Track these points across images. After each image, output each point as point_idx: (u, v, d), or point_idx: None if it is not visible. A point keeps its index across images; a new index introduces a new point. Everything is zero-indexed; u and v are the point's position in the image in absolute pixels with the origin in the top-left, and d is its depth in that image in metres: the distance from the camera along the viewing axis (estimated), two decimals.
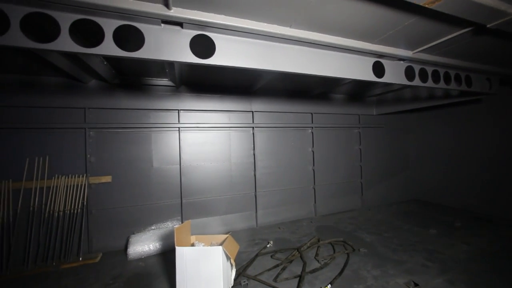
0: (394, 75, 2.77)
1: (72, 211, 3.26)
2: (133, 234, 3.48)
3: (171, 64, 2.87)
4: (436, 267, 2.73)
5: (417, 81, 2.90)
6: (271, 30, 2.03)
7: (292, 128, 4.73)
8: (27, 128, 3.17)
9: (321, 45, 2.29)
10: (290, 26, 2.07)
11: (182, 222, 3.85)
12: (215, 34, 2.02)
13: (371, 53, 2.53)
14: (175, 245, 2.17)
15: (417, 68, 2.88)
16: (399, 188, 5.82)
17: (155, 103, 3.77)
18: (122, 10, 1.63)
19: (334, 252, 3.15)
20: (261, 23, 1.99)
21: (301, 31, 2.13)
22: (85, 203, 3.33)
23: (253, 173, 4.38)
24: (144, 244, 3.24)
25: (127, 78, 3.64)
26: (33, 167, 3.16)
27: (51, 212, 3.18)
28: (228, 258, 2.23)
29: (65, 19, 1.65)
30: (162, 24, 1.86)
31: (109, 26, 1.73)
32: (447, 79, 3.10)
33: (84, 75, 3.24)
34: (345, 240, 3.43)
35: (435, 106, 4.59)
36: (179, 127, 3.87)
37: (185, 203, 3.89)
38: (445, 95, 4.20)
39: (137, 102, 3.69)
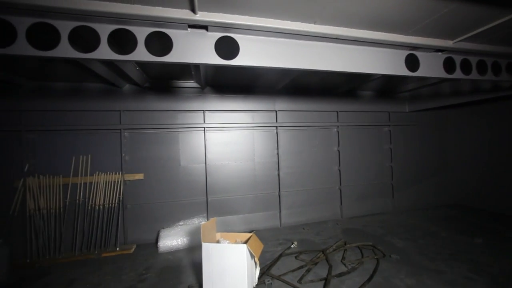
0: (430, 68, 2.55)
1: (110, 205, 3.56)
2: (163, 228, 3.69)
3: (196, 66, 2.98)
4: (483, 281, 2.43)
5: (458, 74, 2.63)
6: (295, 28, 2.00)
7: (316, 127, 4.61)
8: (74, 129, 3.54)
9: (347, 40, 2.20)
10: (315, 23, 2.02)
11: (207, 219, 3.98)
12: (239, 35, 2.05)
13: (404, 46, 2.36)
14: (202, 241, 2.25)
15: (458, 59, 2.61)
16: (436, 191, 5.34)
17: (182, 104, 3.95)
18: (153, 18, 1.74)
19: (362, 256, 3.00)
20: (285, 21, 1.97)
21: (326, 26, 2.06)
22: (121, 198, 3.62)
23: (276, 172, 4.36)
24: (172, 239, 3.42)
25: (156, 82, 3.86)
26: (78, 164, 3.52)
27: (93, 205, 3.51)
28: (252, 256, 2.25)
29: (104, 30, 1.80)
30: (189, 29, 1.94)
31: (141, 33, 1.85)
32: (496, 70, 2.75)
33: (119, 80, 3.51)
34: (374, 244, 3.24)
35: (478, 100, 4.11)
36: (204, 127, 4.01)
37: (211, 201, 4.01)
38: (493, 88, 3.74)
39: (166, 104, 3.90)
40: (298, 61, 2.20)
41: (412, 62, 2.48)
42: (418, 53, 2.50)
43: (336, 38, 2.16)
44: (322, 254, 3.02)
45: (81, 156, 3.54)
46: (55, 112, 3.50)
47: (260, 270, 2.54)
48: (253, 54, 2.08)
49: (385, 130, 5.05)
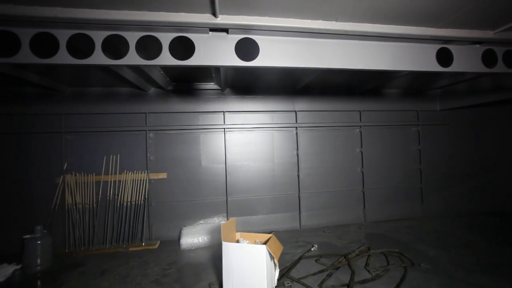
0: (466, 62, 2.35)
1: (137, 202, 3.77)
2: (185, 226, 3.82)
3: (217, 68, 3.05)
4: None
5: (500, 67, 2.39)
6: (316, 27, 1.96)
7: (337, 127, 4.46)
8: (105, 131, 3.81)
9: (371, 36, 2.10)
10: (336, 20, 1.96)
11: (227, 219, 4.04)
12: (259, 36, 2.06)
13: (435, 39, 2.20)
14: (222, 240, 2.29)
15: (500, 51, 2.37)
16: (472, 196, 4.88)
17: (203, 106, 4.07)
18: (177, 24, 1.82)
19: (387, 263, 2.84)
20: (305, 20, 1.94)
21: (349, 23, 2.00)
22: (146, 196, 3.82)
23: (296, 173, 4.30)
24: (194, 237, 3.53)
25: (179, 84, 4.02)
26: (108, 163, 3.78)
27: (122, 202, 3.75)
28: (272, 257, 2.24)
29: (132, 37, 1.91)
30: (210, 32, 2.00)
31: (166, 39, 1.95)
32: None
33: (145, 84, 3.71)
34: (402, 251, 3.05)
35: None
36: (224, 128, 4.08)
37: (230, 201, 4.07)
38: None
39: (188, 105, 4.04)
40: (318, 60, 2.16)
41: (444, 57, 2.31)
42: (451, 47, 2.31)
43: (360, 35, 2.08)
44: (344, 259, 2.92)
45: (111, 156, 3.80)
46: (89, 115, 3.80)
47: (280, 272, 2.52)
48: (273, 54, 2.08)
49: (413, 130, 4.74)
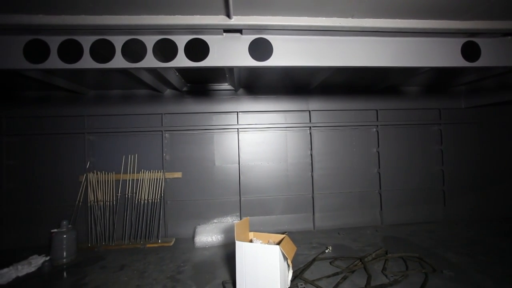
0: (494, 56, 2.20)
1: (153, 200, 3.90)
2: (199, 225, 3.89)
3: (230, 69, 3.08)
4: None
5: None
6: (331, 24, 1.92)
7: (353, 127, 4.35)
8: (124, 131, 3.97)
9: (391, 32, 2.02)
10: (352, 16, 1.91)
11: (240, 218, 4.07)
12: (273, 36, 2.06)
13: (460, 33, 2.08)
14: (235, 239, 2.31)
15: None
16: (503, 200, 4.54)
17: (217, 106, 4.12)
18: (192, 26, 1.85)
19: (407, 269, 2.72)
20: (320, 18, 1.91)
21: (366, 19, 1.94)
22: (162, 195, 3.93)
23: (310, 174, 4.24)
24: (208, 235, 3.59)
25: (193, 86, 4.10)
26: (127, 163, 3.94)
27: (139, 199, 3.89)
28: (285, 258, 2.23)
29: (149, 41, 1.98)
30: (224, 33, 2.02)
31: (181, 41, 1.99)
32: None
33: (161, 86, 3.83)
34: (422, 256, 2.91)
35: None
36: (238, 128, 4.11)
37: (244, 201, 4.09)
38: None
39: (202, 106, 4.11)
40: (333, 59, 2.12)
41: (470, 51, 2.18)
42: (478, 40, 2.17)
43: (378, 31, 2.01)
44: (360, 262, 2.83)
45: (129, 155, 3.95)
46: (110, 116, 3.98)
47: (293, 273, 2.49)
48: (286, 54, 2.07)
49: (434, 129, 4.51)
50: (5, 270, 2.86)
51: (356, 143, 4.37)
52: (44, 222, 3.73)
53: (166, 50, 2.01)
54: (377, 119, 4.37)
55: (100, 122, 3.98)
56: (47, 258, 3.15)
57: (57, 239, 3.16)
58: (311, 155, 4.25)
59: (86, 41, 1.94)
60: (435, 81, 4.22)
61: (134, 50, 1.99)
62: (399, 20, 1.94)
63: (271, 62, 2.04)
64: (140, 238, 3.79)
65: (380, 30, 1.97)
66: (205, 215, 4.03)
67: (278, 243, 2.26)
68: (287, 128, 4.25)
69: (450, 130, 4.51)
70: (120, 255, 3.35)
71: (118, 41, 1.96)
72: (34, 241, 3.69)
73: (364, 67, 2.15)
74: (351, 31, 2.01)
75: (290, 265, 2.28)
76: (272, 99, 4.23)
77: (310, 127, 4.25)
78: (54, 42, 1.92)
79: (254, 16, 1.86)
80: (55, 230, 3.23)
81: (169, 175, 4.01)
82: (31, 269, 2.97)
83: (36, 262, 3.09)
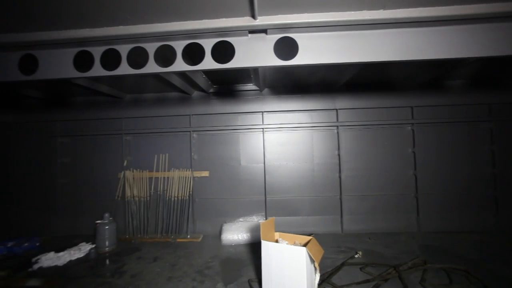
0: None
1: (183, 197, 4.10)
2: (225, 223, 3.99)
3: (255, 70, 3.10)
4: None
5: None
6: (360, 18, 1.82)
7: (384, 126, 4.07)
8: (156, 132, 4.25)
9: (429, 21, 1.85)
10: (384, 8, 1.79)
11: (265, 218, 4.08)
12: (298, 34, 2.02)
13: None
14: (261, 238, 2.32)
15: None
16: None
17: (242, 106, 4.18)
18: (218, 29, 1.91)
19: (450, 282, 2.46)
20: (348, 12, 1.82)
21: (399, 10, 1.80)
22: (191, 192, 4.12)
23: (337, 175, 4.08)
24: (234, 233, 3.66)
25: (219, 87, 4.22)
26: (159, 161, 4.21)
27: (170, 196, 4.12)
28: (312, 261, 2.18)
29: (179, 46, 2.09)
30: (249, 34, 2.04)
31: (208, 44, 2.06)
32: None
33: (189, 88, 4.01)
34: (469, 270, 2.61)
35: None
36: (263, 128, 4.13)
37: (269, 201, 4.10)
38: None
39: (228, 107, 4.20)
40: (363, 54, 2.00)
41: None
42: None
43: (414, 22, 1.85)
44: (394, 271, 2.64)
45: (161, 155, 4.22)
46: (144, 118, 4.29)
47: (320, 276, 2.42)
48: (312, 51, 2.02)
49: (484, 127, 4.01)
50: (61, 253, 3.29)
51: (388, 142, 4.08)
52: (90, 213, 4.16)
53: (194, 53, 2.09)
54: (413, 117, 4.03)
55: (135, 123, 4.31)
56: (93, 246, 3.51)
57: (101, 229, 3.50)
58: (339, 155, 4.09)
59: (124, 49, 2.11)
60: (483, 72, 3.74)
61: (165, 55, 2.11)
62: (439, 7, 1.77)
63: (296, 60, 2.00)
64: (171, 233, 4.01)
65: (417, 20, 1.82)
66: (231, 214, 4.12)
67: (305, 245, 2.22)
68: (313, 128, 4.14)
69: (503, 127, 3.96)
70: (153, 248, 3.59)
71: (151, 48, 2.10)
72: (82, 230, 4.15)
73: (397, 61, 2.00)
74: (382, 24, 1.89)
75: (317, 268, 2.22)
76: (297, 98, 4.15)
77: (337, 126, 4.08)
78: (97, 52, 2.13)
79: (279, 16, 1.85)
80: (99, 221, 3.58)
81: (197, 174, 4.18)
82: (81, 254, 3.35)
83: (84, 248, 3.47)
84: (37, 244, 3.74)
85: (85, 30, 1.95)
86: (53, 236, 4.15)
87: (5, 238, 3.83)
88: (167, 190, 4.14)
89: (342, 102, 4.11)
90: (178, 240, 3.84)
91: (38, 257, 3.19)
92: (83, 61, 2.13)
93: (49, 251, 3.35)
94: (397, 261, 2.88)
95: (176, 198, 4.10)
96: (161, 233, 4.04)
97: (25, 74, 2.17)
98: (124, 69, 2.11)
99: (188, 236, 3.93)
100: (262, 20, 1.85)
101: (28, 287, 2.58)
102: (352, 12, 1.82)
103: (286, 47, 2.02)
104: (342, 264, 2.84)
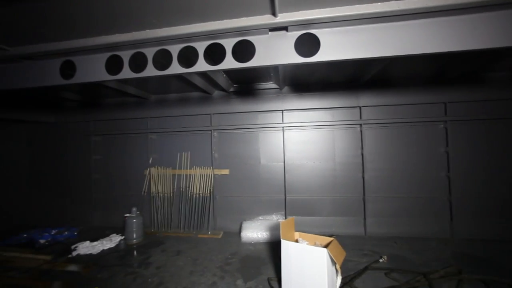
0: None
1: (204, 194, 4.22)
2: (245, 221, 4.04)
3: (275, 68, 3.08)
4: None
5: None
6: (387, 9, 1.72)
7: (413, 124, 3.81)
8: (179, 131, 4.41)
9: (469, 8, 1.69)
10: None
11: (285, 217, 4.05)
12: (319, 30, 1.96)
13: None
14: (281, 238, 2.31)
15: None
16: None
17: (262, 105, 4.18)
18: (238, 29, 1.92)
19: None
20: (374, 4, 1.72)
21: None
22: (212, 190, 4.22)
23: (360, 175, 3.92)
24: (253, 231, 3.69)
25: (239, 86, 4.26)
26: (182, 159, 4.37)
27: (192, 193, 4.27)
28: (333, 263, 2.12)
29: (201, 47, 2.14)
30: (269, 32, 2.02)
31: (229, 44, 2.09)
32: None
33: (210, 88, 4.10)
34: None
35: None
36: (283, 127, 4.09)
37: (289, 200, 4.06)
38: None
39: (247, 105, 4.23)
40: (390, 48, 1.89)
41: None
42: None
43: (449, 10, 1.70)
44: (424, 278, 2.48)
45: (183, 153, 4.37)
46: (167, 117, 4.48)
47: (342, 279, 2.35)
48: (335, 47, 1.95)
49: None
50: (95, 243, 3.59)
51: (417, 141, 3.82)
52: (119, 207, 4.46)
53: (215, 53, 2.13)
54: (446, 114, 3.73)
55: (160, 123, 4.52)
56: (122, 237, 3.76)
57: (129, 222, 3.74)
58: (362, 154, 3.92)
59: (150, 52, 2.22)
60: None
61: (187, 57, 2.18)
62: None
63: (318, 57, 1.95)
64: (193, 228, 4.16)
65: (454, 7, 1.66)
66: (251, 212, 4.15)
67: (325, 246, 2.17)
68: (335, 126, 4.01)
69: None
70: (176, 242, 3.75)
71: (175, 50, 2.18)
72: (113, 222, 4.47)
73: (429, 54, 1.85)
74: (412, 14, 1.76)
75: (339, 271, 2.16)
76: (318, 96, 4.05)
77: (361, 124, 3.91)
78: (126, 55, 2.26)
79: (300, 12, 1.81)
80: (127, 215, 3.82)
81: (218, 172, 4.27)
82: (112, 245, 3.62)
83: (115, 239, 3.74)
84: (75, 233, 4.12)
85: (115, 35, 2.08)
86: (89, 226, 4.52)
87: (49, 226, 4.26)
88: (189, 187, 4.30)
89: (366, 99, 3.92)
90: (199, 235, 3.97)
91: (76, 245, 3.51)
92: (114, 64, 2.28)
93: (85, 240, 3.66)
94: (427, 269, 2.70)
95: (197, 195, 4.23)
96: (183, 228, 4.21)
97: (65, 78, 2.37)
98: (150, 71, 2.22)
99: (209, 232, 4.04)
100: (282, 17, 1.82)
101: (69, 272, 2.84)
102: (379, 3, 1.72)
103: (308, 44, 1.97)
104: (366, 268, 2.73)
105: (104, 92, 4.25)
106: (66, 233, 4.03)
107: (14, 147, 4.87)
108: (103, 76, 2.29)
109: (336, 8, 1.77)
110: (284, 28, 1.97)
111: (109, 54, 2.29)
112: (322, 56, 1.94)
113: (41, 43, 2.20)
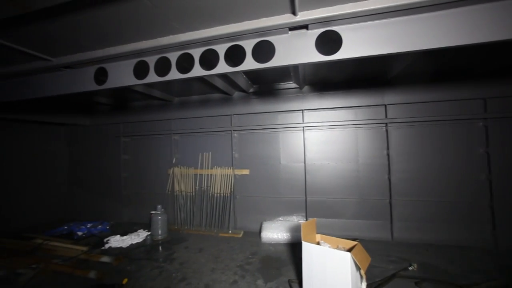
0: None
1: (224, 194, 4.30)
2: (265, 221, 4.03)
3: (295, 67, 3.03)
4: None
5: None
6: (416, 0, 1.60)
7: (446, 122, 3.52)
8: (201, 132, 4.55)
9: None
10: None
11: (306, 219, 3.98)
12: (341, 26, 1.89)
13: None
14: (302, 239, 2.27)
15: None
16: None
17: (282, 105, 4.15)
18: (258, 29, 1.92)
19: None
20: None
21: None
22: (232, 190, 4.28)
23: (386, 176, 3.71)
24: (273, 232, 3.67)
25: (259, 86, 4.27)
26: (203, 159, 4.50)
27: (213, 193, 4.37)
28: (357, 268, 2.03)
29: (221, 49, 2.18)
30: (289, 32, 2.00)
31: (249, 45, 2.10)
32: None
33: (231, 89, 4.16)
34: None
35: None
36: (303, 127, 4.02)
37: (309, 201, 3.98)
38: None
39: (267, 106, 4.22)
40: (419, 41, 1.76)
41: None
42: None
43: None
44: None
45: (205, 153, 4.50)
46: (190, 119, 4.64)
47: (367, 286, 2.24)
48: (358, 44, 1.86)
49: None
50: (125, 237, 3.86)
51: (451, 141, 3.52)
52: (146, 204, 4.72)
53: (234, 55, 2.16)
54: (485, 111, 3.38)
55: (183, 124, 4.69)
56: (149, 233, 3.98)
57: (154, 219, 3.93)
58: (388, 155, 3.71)
59: (173, 56, 2.31)
60: None
61: (208, 59, 2.23)
62: None
63: (340, 55, 1.88)
64: (214, 227, 4.26)
65: None
66: (271, 212, 4.14)
67: (349, 250, 2.09)
68: (358, 125, 3.85)
69: None
70: (198, 239, 3.86)
71: (196, 53, 2.25)
72: (140, 218, 4.74)
73: (466, 45, 1.70)
74: (444, 4, 1.62)
75: (364, 277, 2.07)
76: (340, 94, 3.91)
77: (387, 123, 3.71)
78: (151, 60, 2.38)
79: (321, 9, 1.76)
80: (153, 212, 4.03)
81: (238, 172, 4.33)
82: (139, 239, 3.84)
83: (142, 235, 3.97)
84: (107, 227, 4.44)
85: (142, 42, 2.21)
86: (119, 221, 4.85)
87: (86, 220, 4.65)
88: (210, 186, 4.41)
89: (392, 97, 3.70)
90: (220, 234, 4.05)
91: (108, 238, 3.78)
92: (141, 69, 2.42)
93: (116, 234, 3.93)
94: (466, 281, 2.47)
95: (218, 194, 4.32)
96: (205, 226, 4.33)
97: (98, 84, 2.57)
98: (174, 74, 2.31)
99: (230, 231, 4.10)
100: (303, 16, 1.79)
101: (102, 262, 3.08)
102: None
103: (329, 41, 1.91)
104: (393, 276, 2.58)
105: (132, 96, 4.53)
106: (99, 227, 4.36)
107: (56, 147, 5.40)
108: (132, 80, 2.44)
109: (359, 2, 1.70)
110: (304, 26, 1.93)
111: (136, 60, 2.43)
112: (344, 53, 1.87)
113: (79, 53, 2.41)
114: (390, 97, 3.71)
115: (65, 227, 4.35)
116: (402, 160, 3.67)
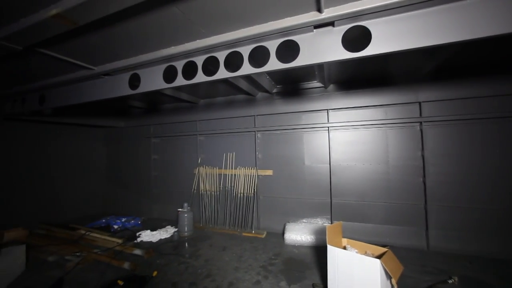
0: None
1: (248, 194, 4.34)
2: (288, 222, 3.99)
3: (320, 66, 2.96)
4: None
5: None
6: None
7: (491, 120, 3.15)
8: (225, 133, 4.66)
9: None
10: None
11: (331, 221, 3.85)
12: (369, 21, 1.81)
13: None
14: (327, 243, 2.20)
15: None
16: None
17: (306, 105, 4.07)
18: (283, 29, 1.92)
19: None
20: None
21: None
22: (255, 190, 4.31)
23: (421, 179, 3.44)
24: (297, 234, 3.61)
25: (282, 86, 4.24)
26: (227, 160, 4.59)
27: (236, 193, 4.44)
28: (388, 277, 1.91)
29: (245, 51, 2.21)
30: (314, 30, 1.96)
31: (273, 46, 2.10)
32: None
33: (254, 90, 4.20)
34: None
35: None
36: (328, 127, 3.91)
37: (335, 203, 3.85)
38: None
39: (291, 106, 4.18)
40: (460, 32, 1.60)
41: None
42: None
43: None
44: None
45: (229, 153, 4.59)
46: (214, 120, 4.78)
47: None
48: (388, 38, 1.76)
49: None
50: (154, 232, 4.09)
51: (498, 142, 3.14)
52: (174, 202, 4.96)
53: (258, 56, 2.17)
54: None
55: (207, 125, 4.85)
56: (176, 229, 4.17)
57: (181, 217, 4.12)
58: (423, 156, 3.43)
59: (199, 60, 2.41)
60: None
61: (233, 61, 2.28)
62: None
63: (369, 51, 1.79)
64: (237, 226, 4.32)
65: None
66: (295, 213, 4.08)
67: (378, 257, 1.97)
68: (388, 125, 3.62)
69: None
70: (222, 238, 3.95)
71: (221, 56, 2.31)
72: (168, 215, 5.00)
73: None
74: None
75: (395, 286, 1.94)
76: (367, 93, 3.72)
77: (421, 122, 3.43)
78: (179, 65, 2.50)
79: (348, 4, 1.70)
80: (180, 209, 4.22)
81: (261, 172, 4.34)
82: (167, 235, 4.05)
83: (170, 231, 4.18)
84: (139, 222, 4.76)
85: (170, 48, 2.33)
86: (149, 217, 5.17)
87: (121, 215, 5.04)
88: (234, 186, 4.48)
89: (428, 93, 3.42)
90: (244, 234, 4.10)
91: (140, 232, 4.05)
92: (169, 74, 2.55)
93: (147, 229, 4.20)
94: None
95: (242, 194, 4.38)
96: (228, 225, 4.41)
97: (132, 89, 2.77)
98: (200, 77, 2.40)
99: (253, 231, 4.13)
100: (328, 12, 1.74)
101: (134, 255, 3.30)
102: None
103: (356, 37, 1.83)
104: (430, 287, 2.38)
105: (162, 99, 4.80)
106: (132, 221, 4.69)
107: (95, 148, 5.93)
108: (162, 84, 2.59)
109: None
110: (330, 23, 1.88)
111: (165, 65, 2.57)
112: (374, 49, 1.78)
113: (116, 61, 2.63)
114: (425, 94, 3.43)
115: (103, 220, 4.75)
116: (438, 162, 3.37)
